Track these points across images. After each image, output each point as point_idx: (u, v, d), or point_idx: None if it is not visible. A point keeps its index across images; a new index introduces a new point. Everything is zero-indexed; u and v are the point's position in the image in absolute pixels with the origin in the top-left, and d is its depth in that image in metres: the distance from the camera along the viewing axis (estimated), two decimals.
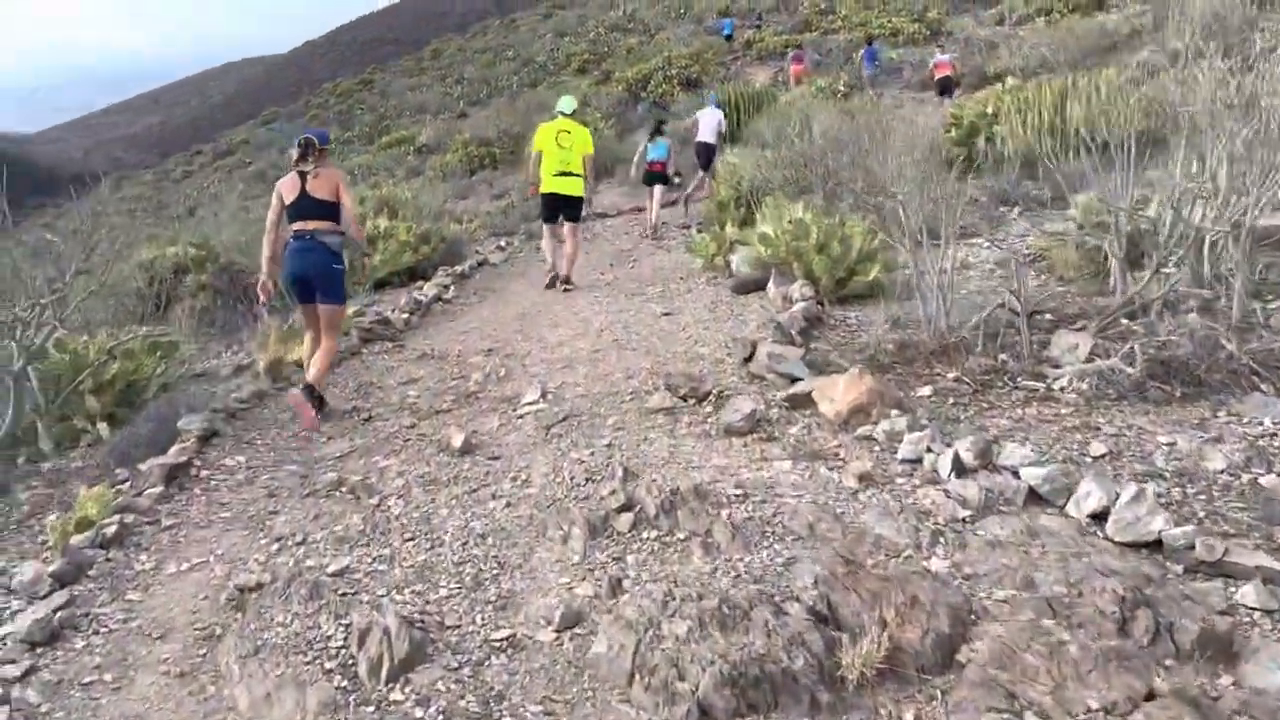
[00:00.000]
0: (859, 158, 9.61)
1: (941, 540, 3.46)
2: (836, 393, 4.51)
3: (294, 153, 5.96)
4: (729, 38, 35.11)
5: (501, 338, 7.64)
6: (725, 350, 6.06)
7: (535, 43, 53.21)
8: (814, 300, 6.66)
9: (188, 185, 48.70)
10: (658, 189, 13.54)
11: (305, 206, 5.87)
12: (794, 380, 5.14)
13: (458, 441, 4.95)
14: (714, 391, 5.20)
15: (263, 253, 6.07)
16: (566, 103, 9.79)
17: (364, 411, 6.05)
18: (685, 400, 5.20)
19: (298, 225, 5.89)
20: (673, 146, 14.21)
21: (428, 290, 9.56)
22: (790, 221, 7.28)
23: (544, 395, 5.68)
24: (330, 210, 5.92)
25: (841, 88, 21.61)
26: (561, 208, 9.33)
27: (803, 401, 4.78)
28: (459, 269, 11.10)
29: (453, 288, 9.98)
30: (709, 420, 4.89)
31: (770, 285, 7.36)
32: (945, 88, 20.70)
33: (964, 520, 3.56)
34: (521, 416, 5.44)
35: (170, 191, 48.49)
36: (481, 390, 6.13)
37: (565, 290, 9.21)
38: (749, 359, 5.64)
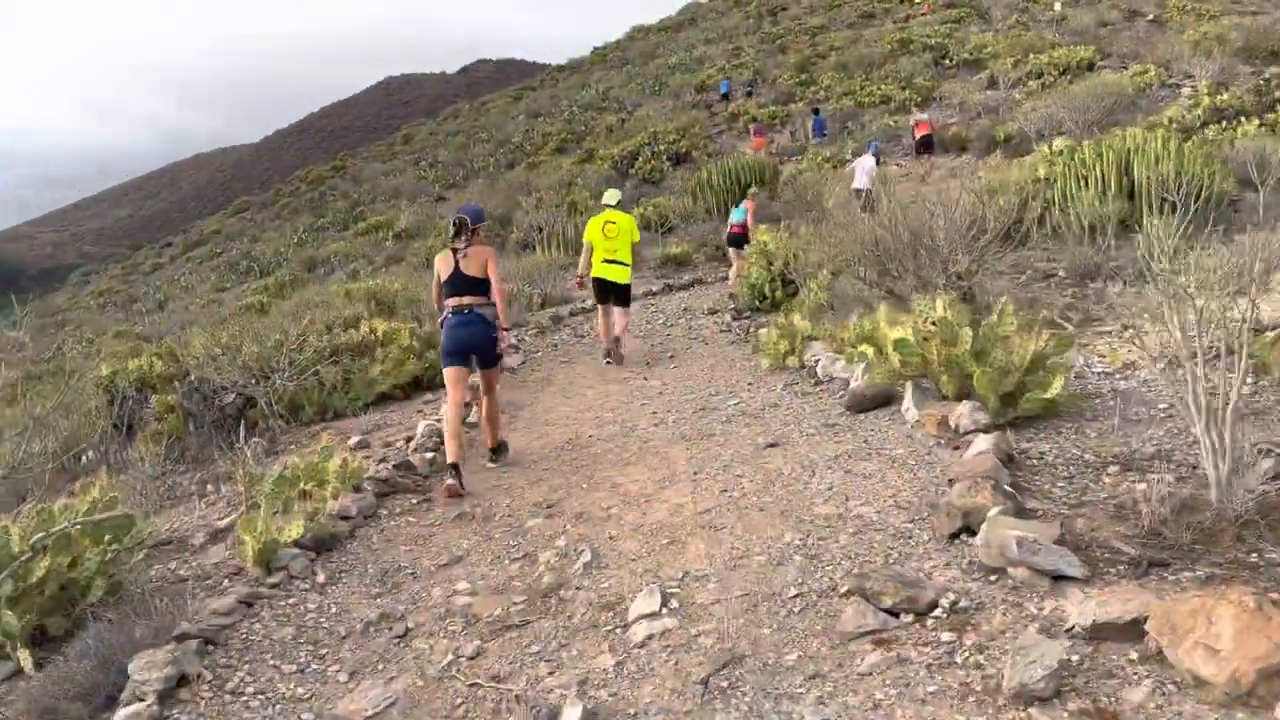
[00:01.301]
0: (952, 235, 7.96)
1: None
2: (1216, 633, 2.67)
3: (450, 230, 6.38)
4: (725, 97, 34.15)
5: (559, 483, 5.79)
6: (901, 512, 4.25)
7: (508, 124, 52.11)
8: (994, 428, 4.88)
9: (157, 277, 46.71)
10: (731, 252, 14.10)
11: (459, 282, 6.24)
12: (1057, 578, 3.34)
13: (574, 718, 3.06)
14: (944, 603, 3.38)
15: (437, 314, 6.65)
16: (611, 195, 10.37)
17: (396, 621, 4.17)
18: (896, 615, 3.38)
19: (453, 301, 6.26)
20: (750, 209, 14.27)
21: (444, 413, 7.69)
22: (931, 321, 5.52)
23: (665, 602, 3.81)
24: (482, 286, 6.25)
25: (850, 156, 20.17)
26: (611, 293, 9.77)
27: (1120, 634, 2.95)
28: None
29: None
30: (959, 661, 3.05)
31: (907, 403, 5.59)
32: (926, 145, 21.15)
33: None
34: (643, 645, 3.57)
35: (140, 284, 46.46)
36: (562, 583, 4.25)
37: (608, 362, 9.68)
38: (958, 534, 3.85)
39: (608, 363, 9.72)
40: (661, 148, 27.09)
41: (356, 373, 9.16)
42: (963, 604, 3.35)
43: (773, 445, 5.68)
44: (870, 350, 6.93)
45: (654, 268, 16.46)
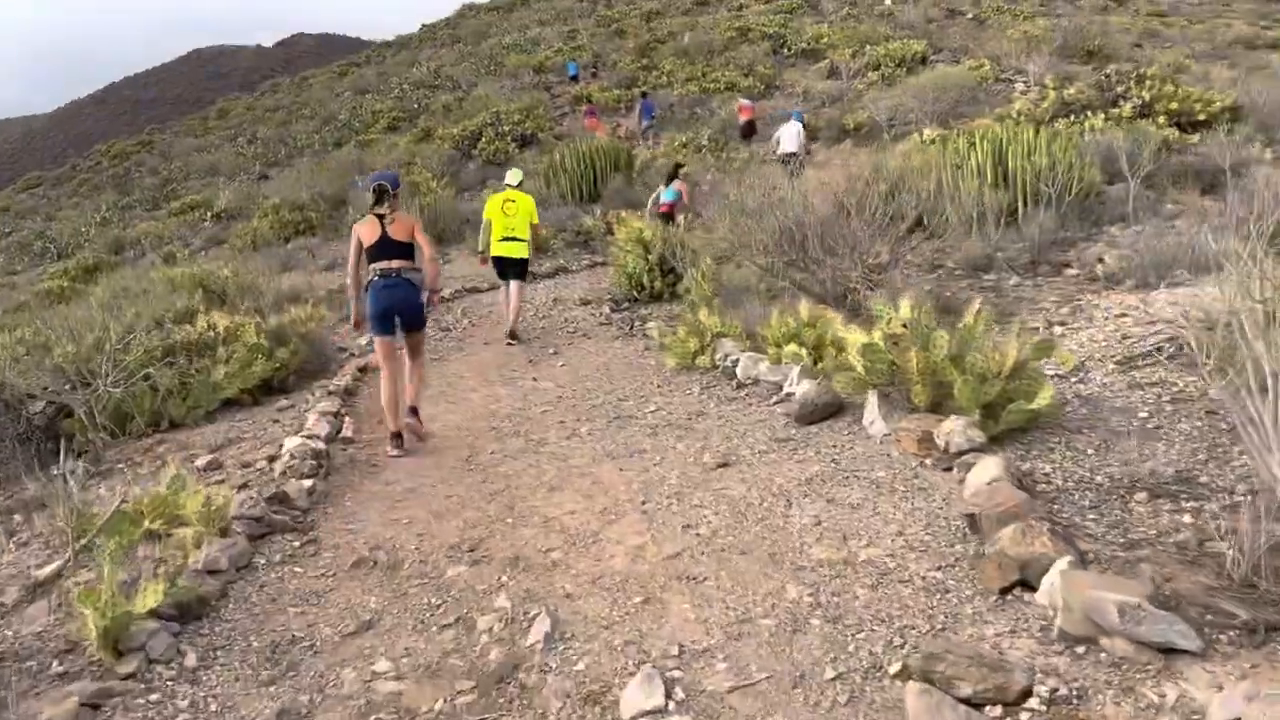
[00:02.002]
0: (870, 225, 7.40)
1: None
2: None
3: (369, 197, 6.31)
4: (574, 78, 33.19)
5: (474, 516, 4.82)
6: (920, 556, 3.54)
7: (333, 101, 49.32)
8: (989, 446, 4.26)
9: None
10: None
11: (387, 246, 6.18)
12: (1168, 651, 2.70)
13: None
14: (1040, 691, 2.67)
15: (349, 291, 6.62)
16: (513, 175, 10.48)
17: None
18: (980, 708, 2.65)
19: (382, 265, 6.19)
20: (683, 190, 14.11)
21: (314, 425, 6.52)
22: (901, 324, 4.85)
23: (669, 693, 2.96)
24: (409, 250, 6.26)
25: (706, 142, 19.64)
26: (509, 268, 9.95)
27: None
28: (338, 383, 8.07)
29: (347, 418, 6.99)
30: None
31: (871, 415, 4.92)
32: (748, 130, 21.76)
33: None
34: None
35: None
36: (518, 661, 3.32)
37: (510, 345, 9.61)
38: (1010, 589, 3.18)
39: (510, 345, 9.64)
40: (506, 128, 25.89)
41: (196, 376, 7.82)
42: (1062, 691, 2.66)
43: (723, 465, 4.90)
44: (802, 351, 6.26)
45: None
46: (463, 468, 5.71)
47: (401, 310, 6.26)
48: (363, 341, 10.02)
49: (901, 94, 19.92)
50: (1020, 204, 10.87)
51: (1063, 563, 3.07)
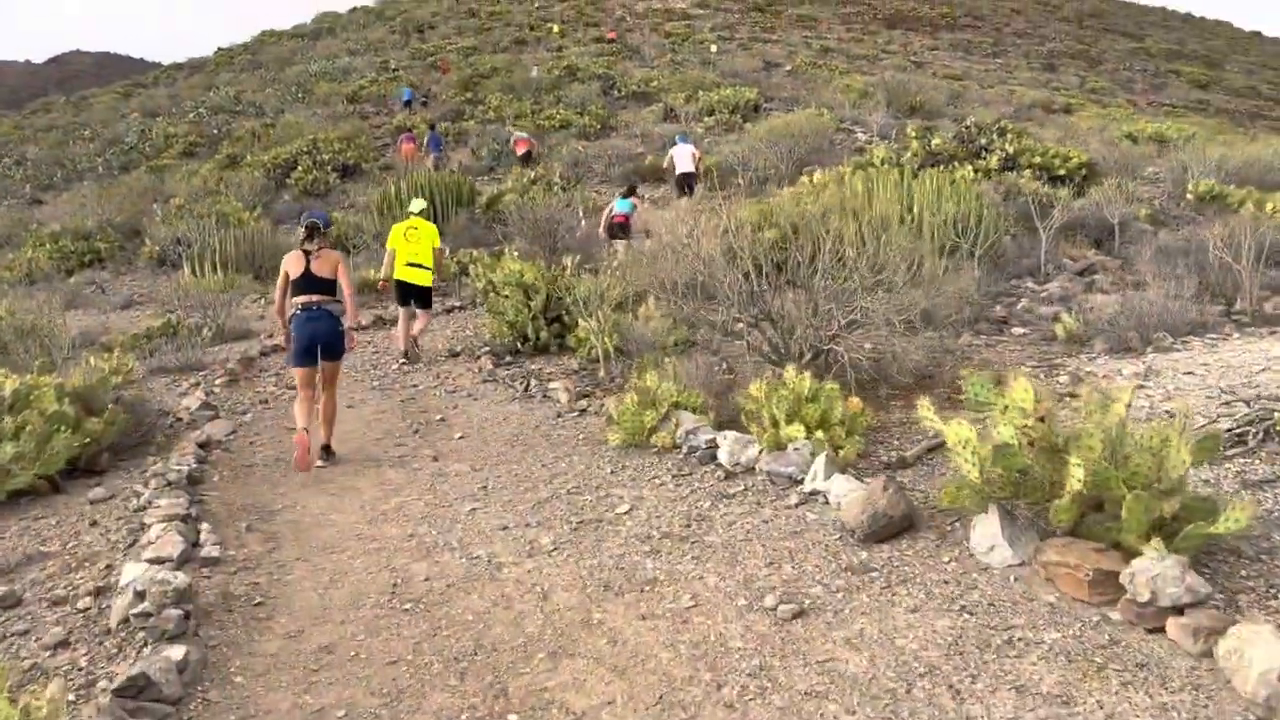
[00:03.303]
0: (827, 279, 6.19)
1: None
2: None
3: (300, 232, 6.62)
4: (408, 104, 31.09)
5: (451, 709, 3.11)
6: None
7: (118, 122, 44.62)
8: (1210, 596, 3.00)
9: None
10: (618, 243, 13.15)
11: (310, 282, 6.39)
12: None
13: None
14: None
15: (277, 317, 6.76)
16: (416, 204, 10.47)
17: None
18: None
19: (303, 299, 6.38)
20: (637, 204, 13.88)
21: (162, 541, 4.52)
22: (1036, 415, 3.52)
23: None
24: (330, 286, 6.47)
25: (559, 180, 18.18)
26: (413, 295, 9.76)
27: None
28: (177, 467, 5.95)
29: (203, 524, 4.97)
30: None
31: (989, 539, 3.58)
32: (526, 160, 21.62)
33: None
34: None
35: None
36: None
37: (403, 365, 9.52)
38: None
39: (403, 364, 9.47)
40: (326, 157, 23.50)
41: None
42: None
43: (799, 615, 3.42)
44: (820, 436, 4.89)
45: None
46: (393, 607, 3.95)
47: (324, 342, 6.38)
48: (195, 406, 7.92)
49: (753, 139, 19.15)
50: (934, 254, 9.98)
51: None
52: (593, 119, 26.53)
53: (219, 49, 62.61)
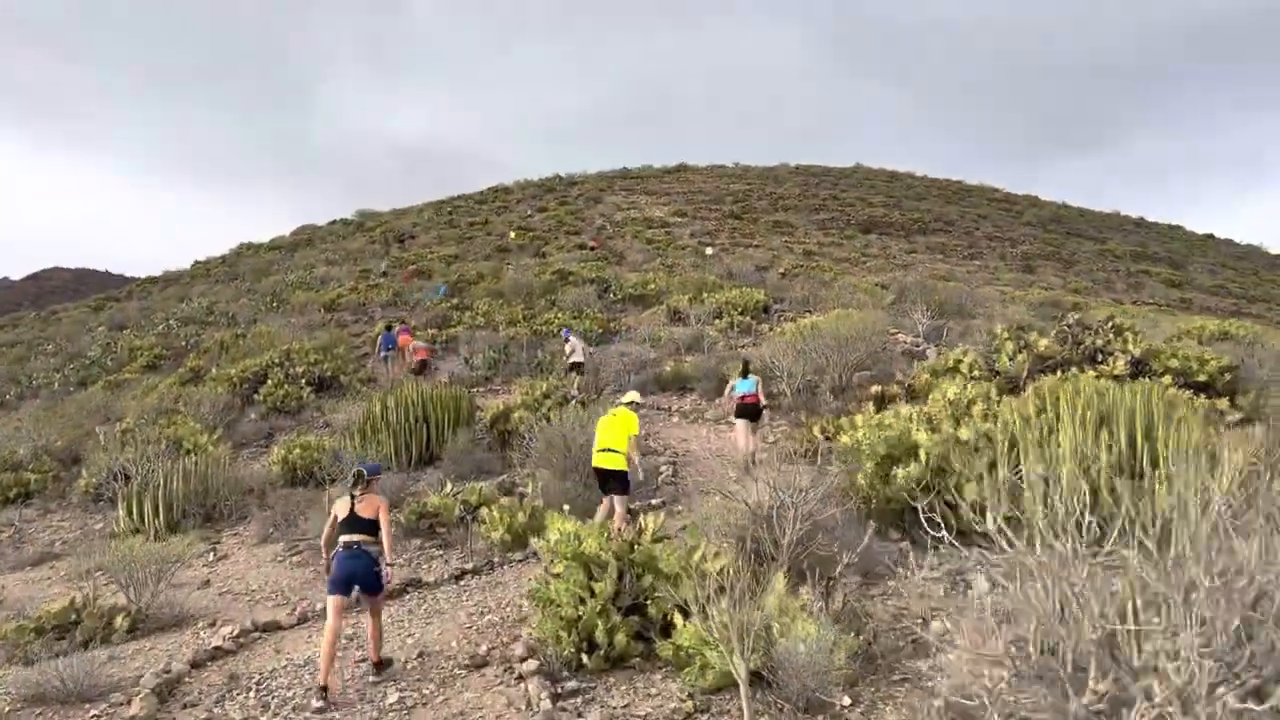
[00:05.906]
0: None
1: None
2: None
3: (350, 480, 7.01)
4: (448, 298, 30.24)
5: None
6: None
7: (84, 335, 41.71)
8: None
9: None
10: (741, 423, 12.65)
11: (353, 523, 6.73)
12: None
13: None
14: None
15: (324, 549, 6.97)
16: (629, 395, 10.50)
17: None
18: None
19: (345, 538, 6.71)
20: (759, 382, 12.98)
21: None
22: None
23: None
24: (372, 526, 6.75)
25: (576, 393, 15.18)
26: (606, 480, 9.46)
27: None
28: None
29: None
30: None
31: None
32: (420, 369, 21.08)
33: None
34: None
35: None
36: None
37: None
38: None
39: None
40: (299, 369, 20.46)
41: None
42: None
43: None
44: None
45: (310, 549, 10.06)
46: None
47: (361, 579, 6.64)
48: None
49: (789, 340, 16.42)
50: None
51: None
52: (593, 322, 23.98)
53: (195, 261, 60.85)
